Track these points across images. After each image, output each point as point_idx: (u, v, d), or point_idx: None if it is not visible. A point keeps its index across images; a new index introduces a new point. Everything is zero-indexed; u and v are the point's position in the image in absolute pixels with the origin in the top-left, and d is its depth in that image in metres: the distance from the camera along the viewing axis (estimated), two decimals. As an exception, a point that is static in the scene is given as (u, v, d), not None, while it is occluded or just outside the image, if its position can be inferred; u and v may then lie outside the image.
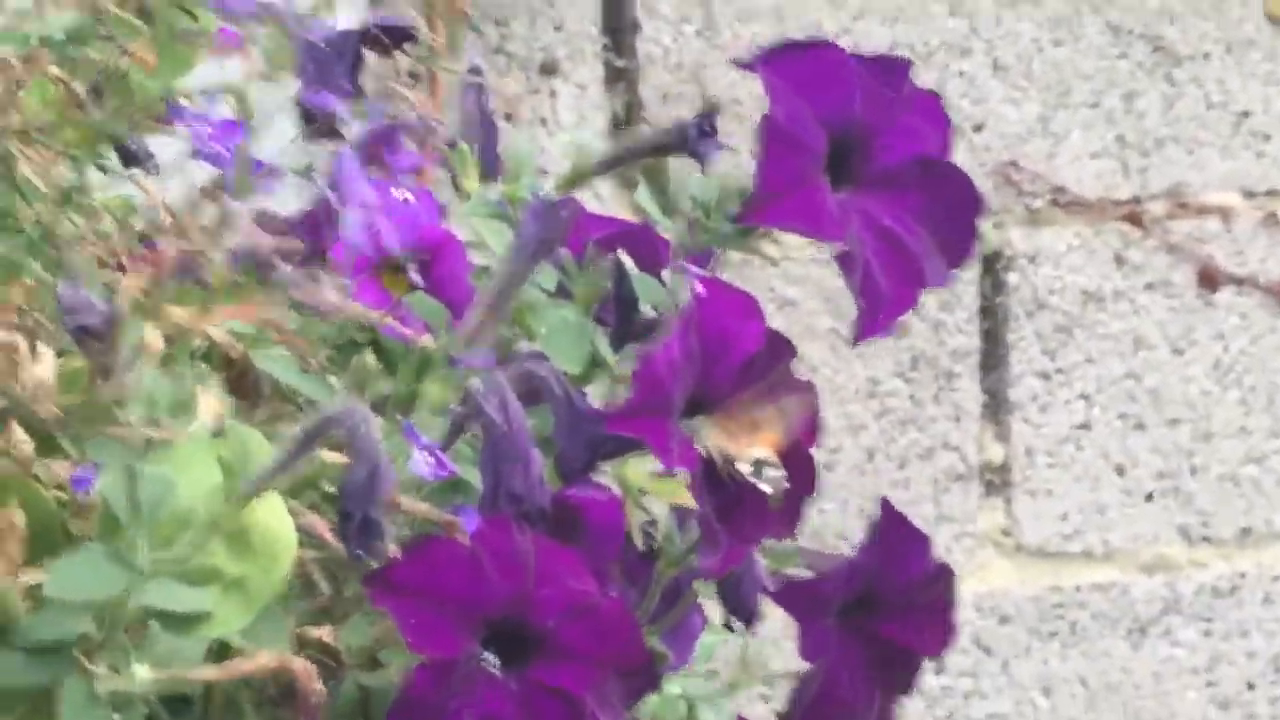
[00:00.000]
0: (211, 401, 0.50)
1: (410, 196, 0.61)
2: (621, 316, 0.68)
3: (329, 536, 0.58)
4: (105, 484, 0.51)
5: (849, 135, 0.66)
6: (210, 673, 0.52)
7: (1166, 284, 1.88)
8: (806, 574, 0.85)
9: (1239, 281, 1.81)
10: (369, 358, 0.60)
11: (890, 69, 0.68)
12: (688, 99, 1.69)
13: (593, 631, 0.64)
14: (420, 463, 0.54)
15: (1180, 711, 1.74)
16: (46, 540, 0.58)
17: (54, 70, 0.56)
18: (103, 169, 0.60)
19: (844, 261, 0.63)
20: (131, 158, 0.64)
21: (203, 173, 0.64)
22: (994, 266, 1.92)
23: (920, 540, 0.84)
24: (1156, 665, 1.72)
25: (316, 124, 0.63)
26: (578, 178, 0.68)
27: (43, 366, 0.49)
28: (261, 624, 0.54)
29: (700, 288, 0.61)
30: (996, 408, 1.94)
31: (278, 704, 0.57)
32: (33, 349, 0.53)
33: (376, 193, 0.52)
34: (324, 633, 0.60)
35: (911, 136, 0.67)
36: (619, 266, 0.67)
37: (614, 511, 0.61)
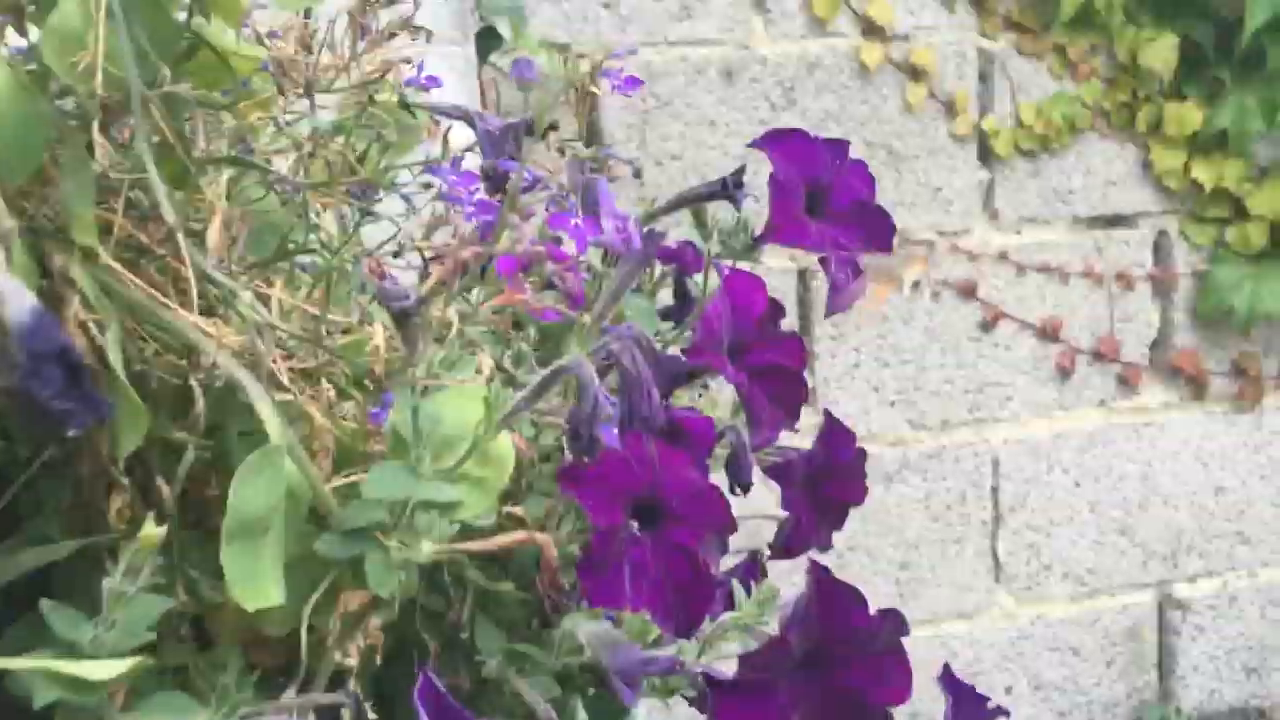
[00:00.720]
0: (486, 360, 0.36)
1: (580, 222, 0.48)
2: (680, 304, 0.55)
3: (521, 444, 0.52)
4: (396, 417, 0.47)
5: (817, 188, 0.68)
6: (476, 545, 0.49)
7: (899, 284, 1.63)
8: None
9: (938, 283, 1.59)
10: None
11: (838, 146, 0.55)
12: (632, 185, 1.50)
13: (699, 505, 0.55)
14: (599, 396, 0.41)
15: (911, 523, 1.62)
16: (347, 457, 0.51)
17: (335, 146, 0.42)
18: (365, 212, 0.47)
19: (823, 264, 0.57)
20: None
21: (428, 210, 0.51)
22: (804, 276, 1.94)
23: (849, 434, 0.73)
24: (897, 498, 1.62)
25: (493, 182, 0.50)
26: (650, 217, 0.56)
27: (378, 337, 0.35)
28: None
29: (727, 273, 0.49)
30: (808, 357, 1.55)
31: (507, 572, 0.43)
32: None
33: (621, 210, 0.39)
34: (515, 509, 0.54)
35: (852, 189, 0.55)
36: (680, 272, 0.55)
37: (706, 425, 0.48)
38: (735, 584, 0.69)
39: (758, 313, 0.67)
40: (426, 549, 0.43)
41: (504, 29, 1.53)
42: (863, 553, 1.97)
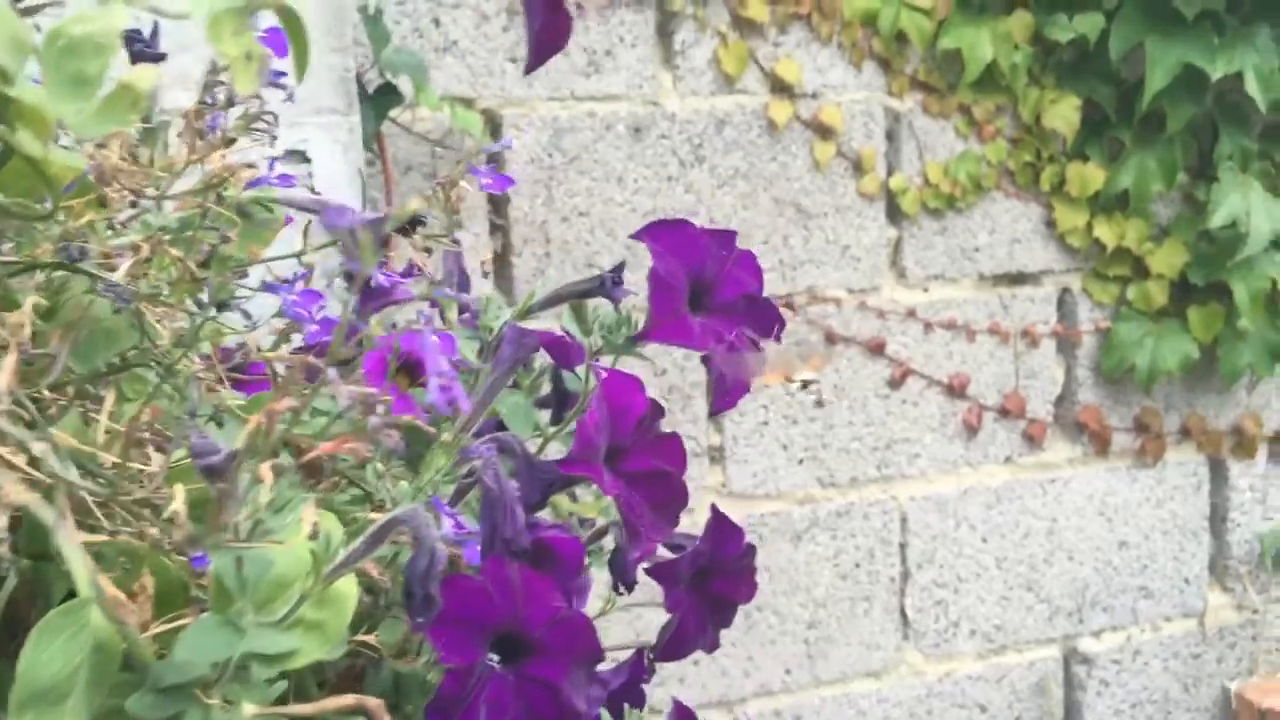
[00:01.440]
0: (310, 512, 0.31)
1: (436, 339, 0.43)
2: (559, 400, 0.51)
3: (372, 571, 0.36)
4: (218, 566, 0.31)
5: (702, 280, 0.50)
6: (304, 709, 0.32)
7: (806, 340, 1.52)
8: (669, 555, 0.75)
9: (845, 340, 1.56)
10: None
11: (724, 237, 0.52)
12: (539, 241, 1.48)
13: (564, 635, 0.54)
14: (446, 525, 0.35)
15: (819, 582, 1.61)
16: (172, 600, 0.48)
17: (172, 250, 0.38)
18: (209, 319, 0.42)
19: (706, 361, 0.48)
20: (224, 308, 0.46)
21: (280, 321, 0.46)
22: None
23: (737, 530, 0.75)
24: (806, 556, 1.60)
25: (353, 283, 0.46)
26: (525, 312, 0.51)
27: (178, 503, 0.30)
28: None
29: (605, 376, 0.46)
30: (716, 415, 1.56)
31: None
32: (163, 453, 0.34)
33: (449, 366, 0.35)
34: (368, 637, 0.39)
35: (739, 282, 0.50)
36: (557, 370, 0.51)
37: (574, 546, 0.44)
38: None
39: (636, 415, 0.64)
40: (247, 712, 0.39)
41: (405, 86, 1.49)
42: (770, 612, 1.94)
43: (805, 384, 0.71)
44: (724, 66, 1.85)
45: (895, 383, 1.97)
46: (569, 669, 0.52)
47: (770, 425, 1.92)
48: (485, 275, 1.75)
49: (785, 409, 1.92)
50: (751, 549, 0.79)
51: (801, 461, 1.96)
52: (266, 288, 0.51)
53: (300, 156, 0.86)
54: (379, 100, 1.40)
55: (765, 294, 0.73)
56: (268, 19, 0.43)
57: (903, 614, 2.04)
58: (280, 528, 0.39)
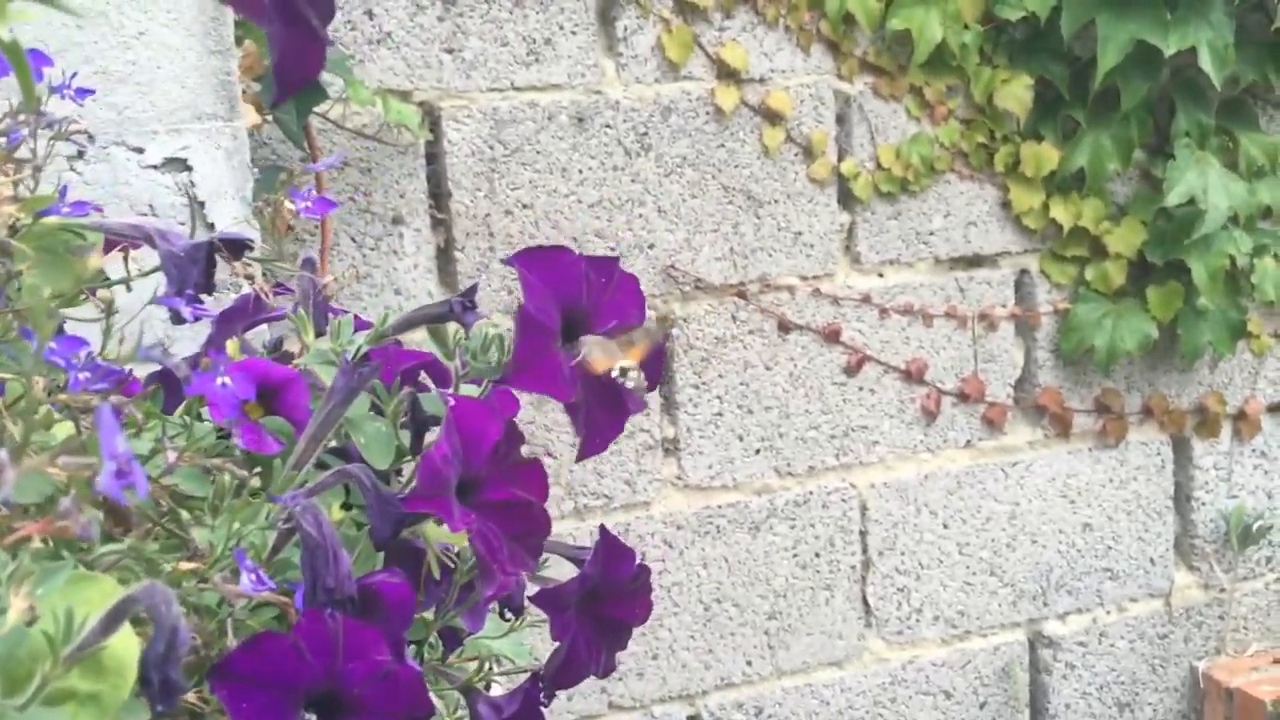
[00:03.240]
0: (19, 601, 0.26)
1: (227, 380, 0.38)
2: (416, 426, 0.46)
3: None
4: None
5: (579, 310, 0.45)
6: None
7: (760, 330, 1.58)
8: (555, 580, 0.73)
9: (800, 328, 1.52)
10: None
11: (605, 264, 0.47)
12: (482, 235, 1.43)
13: (390, 693, 0.49)
14: (246, 581, 0.30)
15: (779, 572, 1.59)
16: None
17: None
18: None
19: (571, 410, 0.43)
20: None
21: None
22: (665, 324, 1.90)
23: (628, 552, 0.72)
24: (765, 546, 1.58)
25: (176, 315, 0.40)
26: (379, 338, 0.47)
27: None
28: (129, 704, 0.29)
29: (453, 404, 0.41)
30: (670, 407, 1.56)
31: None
32: None
33: (126, 447, 0.29)
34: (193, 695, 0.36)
35: (620, 310, 0.45)
36: (414, 395, 0.46)
37: (405, 591, 0.39)
38: None
39: (490, 443, 0.59)
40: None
41: (330, 77, 1.44)
42: (730, 604, 1.90)
43: (624, 371, 0.64)
44: (668, 53, 1.79)
45: (852, 370, 1.93)
46: (393, 729, 0.48)
47: (725, 416, 1.88)
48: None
49: (740, 399, 1.87)
50: (644, 570, 0.76)
51: (758, 451, 1.91)
52: (21, 333, 0.46)
53: (180, 165, 0.81)
54: (303, 97, 1.35)
55: (647, 314, 0.68)
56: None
57: (865, 602, 2.00)
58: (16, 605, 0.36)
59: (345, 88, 1.49)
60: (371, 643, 0.49)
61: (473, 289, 0.63)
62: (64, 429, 0.57)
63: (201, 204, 0.77)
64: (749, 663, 1.94)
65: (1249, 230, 2.04)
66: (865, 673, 2.01)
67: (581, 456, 0.65)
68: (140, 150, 0.78)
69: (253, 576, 0.45)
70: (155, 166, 0.78)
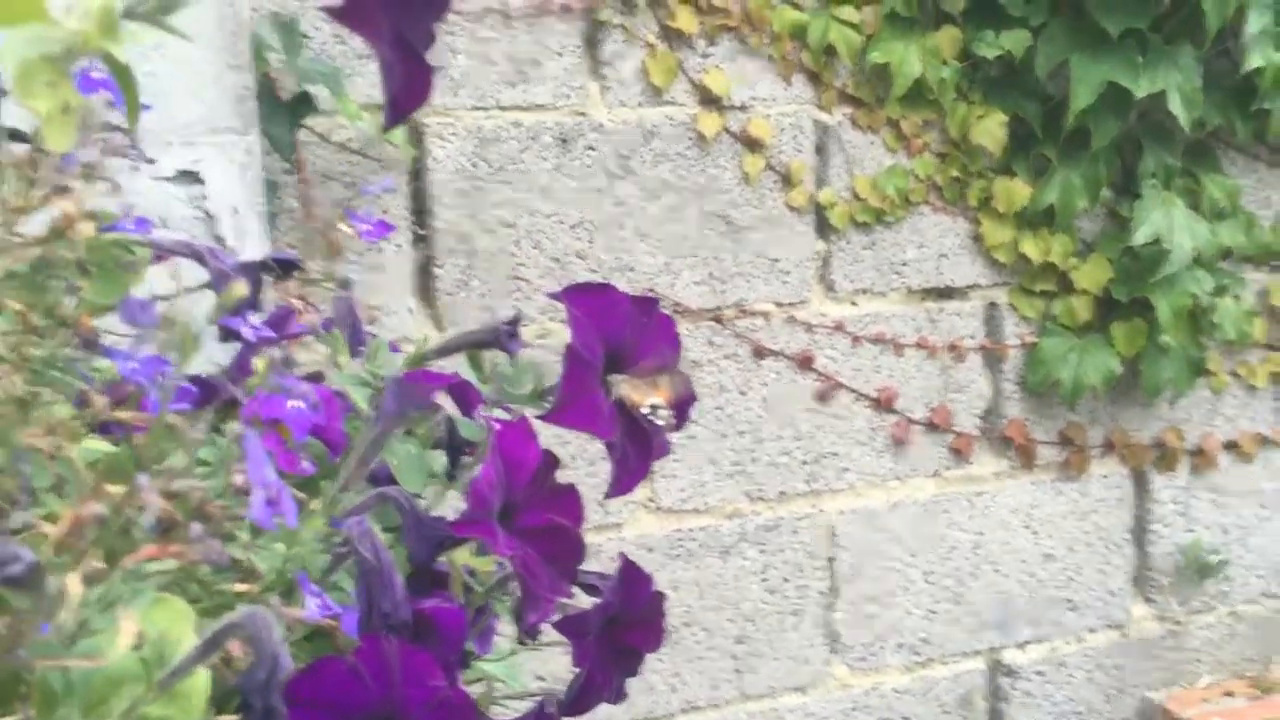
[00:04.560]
0: (129, 625, 0.26)
1: (301, 405, 0.39)
2: (453, 450, 0.46)
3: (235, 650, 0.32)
4: (39, 671, 0.26)
5: (620, 348, 0.45)
6: None
7: (735, 355, 1.59)
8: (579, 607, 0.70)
9: (774, 354, 1.54)
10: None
11: (646, 304, 0.48)
12: (462, 253, 1.43)
13: (445, 718, 0.48)
14: (311, 605, 0.30)
15: (748, 596, 1.59)
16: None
17: (13, 304, 0.33)
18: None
19: (610, 449, 0.44)
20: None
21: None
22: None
23: (646, 579, 0.72)
24: (735, 570, 1.58)
25: (229, 333, 0.40)
26: (418, 360, 0.47)
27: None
28: None
29: (498, 429, 0.42)
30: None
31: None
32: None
33: (275, 476, 0.30)
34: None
35: (658, 351, 0.47)
36: (450, 419, 0.46)
37: (456, 616, 0.40)
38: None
39: (531, 468, 0.60)
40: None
41: (322, 93, 1.44)
42: (698, 628, 1.91)
43: (654, 409, 0.64)
44: (652, 78, 1.81)
45: (824, 396, 1.94)
46: (448, 752, 0.48)
47: (698, 439, 1.89)
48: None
49: (714, 423, 1.89)
50: (660, 596, 0.76)
51: (730, 475, 1.92)
52: (106, 353, 0.46)
53: (193, 178, 0.81)
54: (293, 110, 1.35)
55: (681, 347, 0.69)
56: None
57: (831, 628, 2.01)
58: (107, 628, 0.35)
59: (336, 102, 1.48)
60: (427, 668, 0.49)
61: (516, 319, 0.63)
62: (93, 444, 0.56)
63: (212, 217, 0.76)
64: (715, 687, 1.94)
65: (1210, 270, 2.09)
66: (829, 699, 2.03)
67: (612, 494, 0.65)
68: (153, 162, 0.78)
69: (317, 601, 0.45)
70: (168, 179, 0.77)
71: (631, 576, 0.73)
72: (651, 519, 1.88)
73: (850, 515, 1.99)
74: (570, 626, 0.70)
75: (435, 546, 0.57)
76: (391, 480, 0.62)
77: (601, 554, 1.86)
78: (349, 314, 0.65)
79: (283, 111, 1.34)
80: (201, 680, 0.41)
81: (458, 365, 0.79)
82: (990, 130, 1.94)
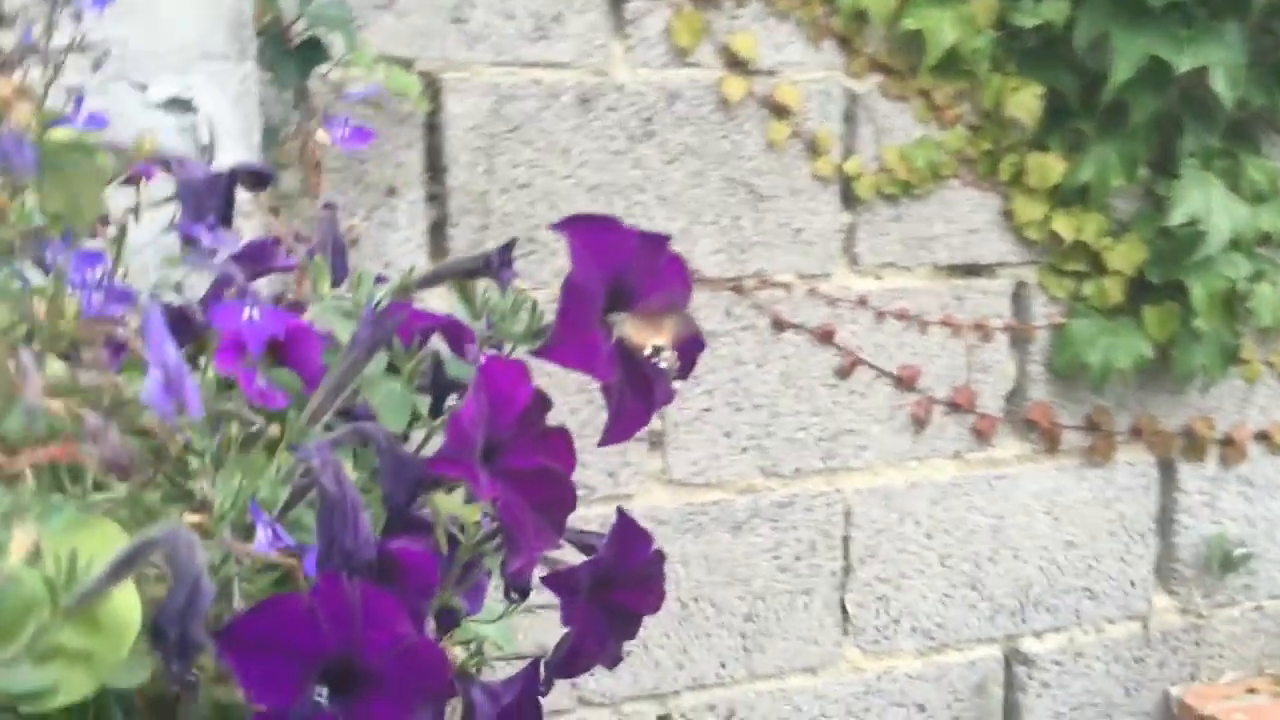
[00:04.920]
0: (23, 537, 0.22)
1: (256, 314, 0.33)
2: (438, 390, 0.40)
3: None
4: None
5: (624, 288, 0.41)
6: None
7: (754, 326, 1.57)
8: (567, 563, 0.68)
9: (794, 326, 1.48)
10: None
11: (655, 241, 0.42)
12: (478, 212, 1.38)
13: (411, 668, 0.45)
14: (261, 536, 0.25)
15: (759, 573, 1.54)
16: None
17: None
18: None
19: (607, 392, 0.38)
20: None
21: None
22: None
23: (645, 536, 0.68)
24: (746, 547, 1.54)
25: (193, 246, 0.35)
26: (404, 290, 0.41)
27: None
28: (130, 663, 0.24)
29: (484, 361, 0.36)
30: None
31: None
32: None
33: (177, 356, 0.25)
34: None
35: (664, 291, 0.42)
36: (436, 355, 0.40)
37: (427, 559, 0.34)
38: None
39: (520, 407, 0.55)
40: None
41: (336, 42, 1.39)
42: (707, 603, 1.87)
43: (657, 351, 0.59)
44: (677, 38, 1.75)
45: (844, 372, 1.89)
46: (413, 707, 0.44)
47: (713, 411, 1.85)
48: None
49: (729, 395, 1.84)
50: (659, 556, 0.72)
51: (745, 450, 1.88)
52: (43, 247, 0.42)
53: (184, 105, 0.77)
54: (302, 56, 1.30)
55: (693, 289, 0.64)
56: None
57: (843, 609, 1.96)
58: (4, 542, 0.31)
59: (348, 52, 1.44)
60: (392, 613, 0.45)
61: (511, 244, 0.59)
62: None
63: (205, 150, 0.72)
64: (723, 664, 1.90)
65: (1248, 255, 2.02)
66: (840, 681, 1.98)
67: (604, 441, 0.61)
68: (144, 87, 0.74)
69: (269, 532, 0.41)
70: (159, 105, 0.74)
71: (627, 533, 0.68)
72: (663, 491, 1.84)
73: (867, 494, 1.94)
74: (559, 582, 0.66)
75: (413, 486, 0.53)
76: (371, 421, 0.58)
77: (610, 523, 1.81)
78: (331, 237, 0.61)
79: (291, 58, 1.29)
80: (131, 609, 0.37)
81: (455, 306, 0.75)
82: (1025, 103, 1.88)
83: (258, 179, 0.52)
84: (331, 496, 0.44)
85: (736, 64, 1.81)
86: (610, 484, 1.80)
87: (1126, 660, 2.15)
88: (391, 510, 0.54)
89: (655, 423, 1.82)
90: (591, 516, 1.87)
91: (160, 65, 0.72)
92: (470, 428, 0.52)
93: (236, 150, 0.77)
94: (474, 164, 1.69)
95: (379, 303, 0.56)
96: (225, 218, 0.51)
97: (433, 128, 1.68)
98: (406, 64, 1.64)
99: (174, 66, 0.75)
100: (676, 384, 1.99)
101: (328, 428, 0.53)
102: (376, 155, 1.64)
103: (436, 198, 1.70)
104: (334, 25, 1.31)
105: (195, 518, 0.45)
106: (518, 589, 0.70)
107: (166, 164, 0.51)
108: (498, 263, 0.55)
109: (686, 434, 1.83)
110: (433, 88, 1.67)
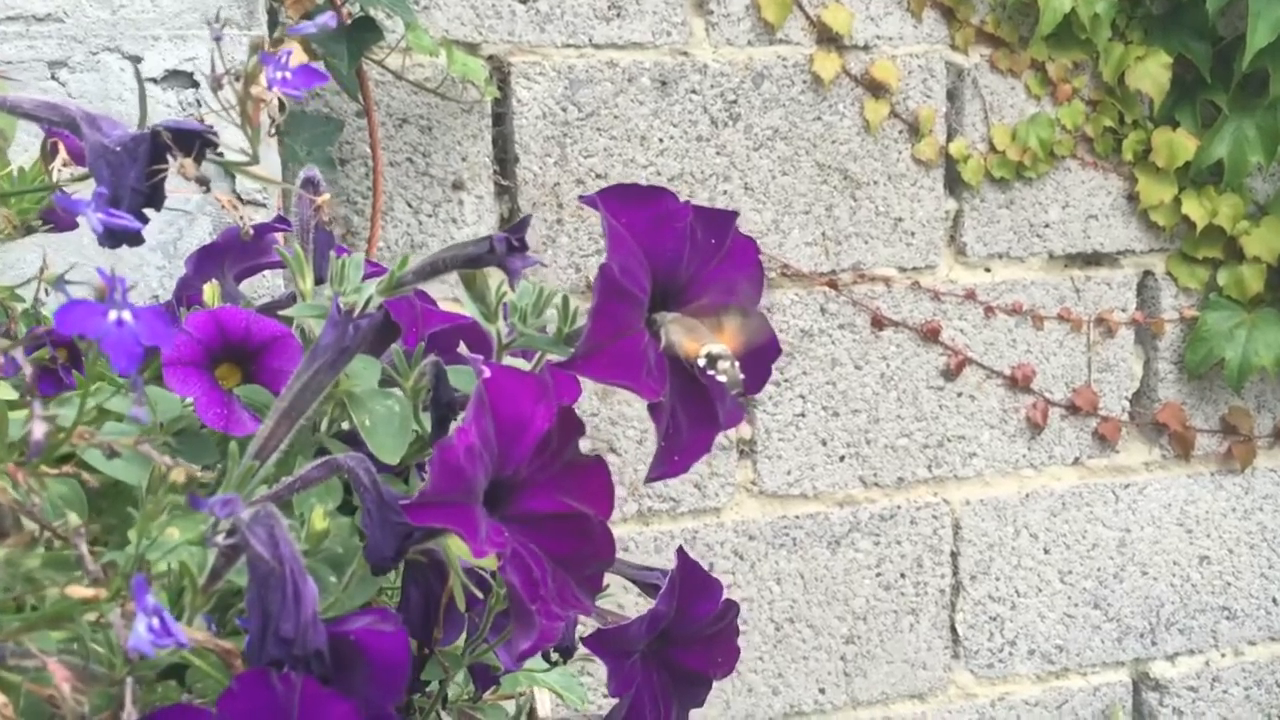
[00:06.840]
0: None
1: (127, 316, 0.19)
2: (439, 409, 0.24)
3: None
4: None
5: (676, 279, 0.23)
6: None
7: (851, 325, 1.87)
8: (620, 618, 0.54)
9: (895, 324, 1.32)
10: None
11: (719, 219, 0.25)
12: (550, 206, 1.25)
13: None
14: (141, 628, 0.10)
15: (859, 592, 1.40)
16: None
17: None
18: None
19: (655, 412, 0.21)
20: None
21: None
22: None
23: (712, 584, 0.55)
24: (845, 563, 1.40)
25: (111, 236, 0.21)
26: (395, 286, 0.26)
27: None
28: None
29: (487, 375, 0.20)
30: (747, 404, 1.32)
31: None
32: None
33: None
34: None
35: (726, 285, 0.24)
36: (438, 364, 0.24)
37: (397, 645, 0.18)
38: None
39: (536, 433, 0.43)
40: None
41: (391, 23, 1.29)
42: (804, 625, 1.73)
43: (712, 359, 0.45)
44: (764, 13, 1.62)
45: (950, 373, 1.74)
46: None
47: (808, 417, 1.71)
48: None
49: (825, 399, 1.70)
50: (731, 608, 0.59)
51: (843, 458, 1.74)
52: None
53: (185, 79, 0.66)
54: (354, 35, 1.20)
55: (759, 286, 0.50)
56: None
57: (953, 630, 1.82)
58: None
59: (407, 34, 1.34)
60: (341, 717, 0.33)
61: (523, 222, 0.46)
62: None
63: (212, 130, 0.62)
64: (822, 690, 1.77)
65: (1405, 238, 1.85)
66: (950, 708, 1.83)
67: (653, 476, 0.48)
68: (138, 59, 0.64)
69: (154, 622, 0.29)
70: (154, 80, 0.64)
71: (691, 579, 0.55)
72: (754, 504, 1.71)
73: (977, 506, 1.79)
74: (605, 643, 0.53)
75: (401, 538, 0.41)
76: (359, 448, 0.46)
77: (698, 542, 1.69)
78: (311, 225, 0.49)
79: (340, 38, 1.19)
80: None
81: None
82: (1151, 74, 1.71)
83: (189, 140, 0.40)
84: (263, 565, 0.32)
85: (829, 39, 1.67)
86: (697, 496, 1.68)
87: (1269, 685, 1.97)
88: (375, 564, 0.42)
89: (745, 429, 1.69)
90: (677, 532, 1.75)
91: (158, 31, 0.62)
92: (465, 461, 0.39)
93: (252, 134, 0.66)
94: (545, 154, 1.58)
95: (366, 301, 0.44)
96: (151, 195, 0.39)
97: (500, 116, 1.58)
98: (471, 47, 1.53)
99: (174, 33, 0.65)
100: (773, 386, 1.82)
101: (290, 462, 0.41)
102: (442, 146, 1.54)
103: (505, 191, 1.59)
104: (389, 4, 1.20)
105: (85, 592, 0.34)
106: (559, 649, 0.58)
107: (71, 122, 0.40)
108: (504, 248, 0.43)
109: (779, 441, 1.70)
110: (500, 73, 1.56)
